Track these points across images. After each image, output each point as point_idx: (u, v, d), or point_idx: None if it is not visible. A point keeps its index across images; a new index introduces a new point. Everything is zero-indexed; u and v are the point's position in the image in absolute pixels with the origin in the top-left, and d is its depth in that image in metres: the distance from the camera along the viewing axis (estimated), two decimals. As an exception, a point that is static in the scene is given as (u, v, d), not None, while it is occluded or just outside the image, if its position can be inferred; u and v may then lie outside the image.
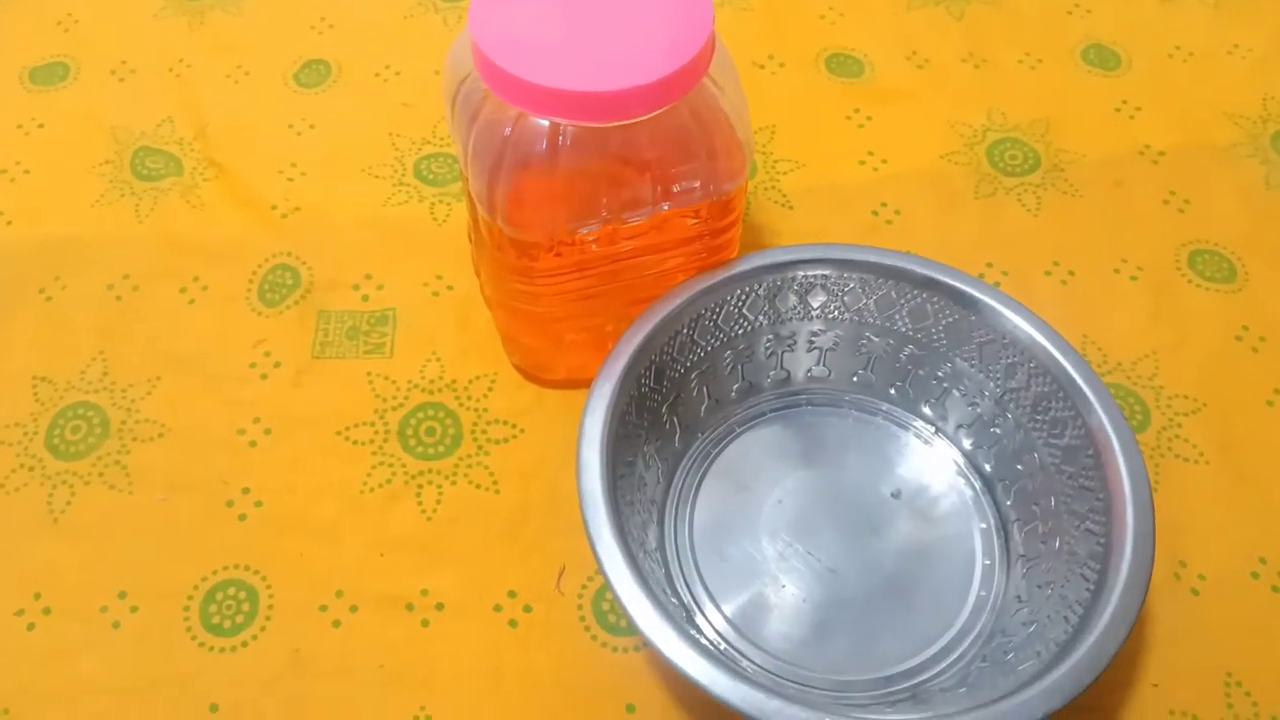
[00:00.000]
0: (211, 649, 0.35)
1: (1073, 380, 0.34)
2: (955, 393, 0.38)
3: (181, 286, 0.43)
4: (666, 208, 0.34)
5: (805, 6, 0.54)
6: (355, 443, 0.39)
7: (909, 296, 0.37)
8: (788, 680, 0.34)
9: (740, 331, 0.38)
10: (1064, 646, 0.30)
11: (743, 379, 0.39)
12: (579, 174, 0.33)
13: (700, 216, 0.35)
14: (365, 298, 0.43)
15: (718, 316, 0.38)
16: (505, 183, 0.33)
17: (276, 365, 0.41)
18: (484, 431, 0.40)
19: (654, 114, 0.32)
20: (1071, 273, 0.44)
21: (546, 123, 0.32)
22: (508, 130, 0.32)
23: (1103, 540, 0.32)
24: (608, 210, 0.34)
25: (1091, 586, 0.31)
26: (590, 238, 0.35)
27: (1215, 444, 0.40)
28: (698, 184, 0.34)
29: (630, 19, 0.32)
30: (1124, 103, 0.50)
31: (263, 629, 0.35)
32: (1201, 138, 0.49)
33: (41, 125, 0.49)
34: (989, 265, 0.44)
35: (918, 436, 0.39)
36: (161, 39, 0.52)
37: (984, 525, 0.37)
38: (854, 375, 0.40)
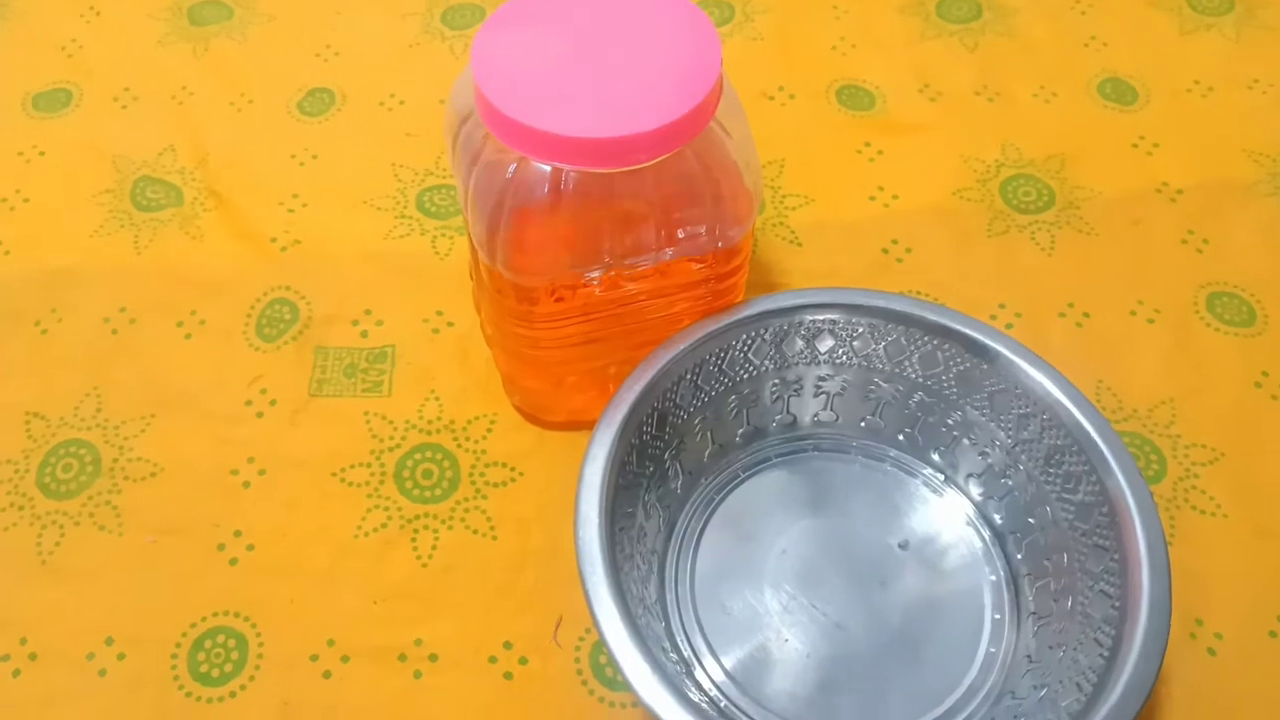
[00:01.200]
0: (199, 699, 0.34)
1: (1088, 435, 0.33)
2: (965, 441, 0.37)
3: (178, 320, 0.43)
4: (671, 254, 0.33)
5: (816, 37, 0.53)
6: (351, 484, 0.39)
7: (920, 343, 0.37)
8: (790, 741, 0.33)
9: (745, 376, 0.38)
10: (1076, 717, 0.29)
11: (748, 424, 0.39)
12: (582, 219, 0.32)
13: (706, 261, 0.35)
14: (364, 334, 0.42)
15: (723, 361, 0.37)
16: (506, 226, 0.32)
17: (272, 403, 0.41)
18: (482, 474, 0.39)
19: (659, 160, 0.31)
20: (1086, 314, 0.43)
21: (549, 167, 0.31)
22: (509, 173, 0.32)
23: (1118, 604, 0.31)
24: (610, 256, 0.33)
25: (1106, 653, 0.30)
26: (593, 282, 0.34)
27: (1234, 496, 0.38)
28: (703, 230, 0.33)
29: (636, 61, 0.31)
30: (1141, 138, 0.49)
31: (251, 679, 0.35)
32: (1221, 175, 0.48)
33: (43, 153, 0.49)
34: (1001, 306, 0.43)
35: (926, 485, 0.38)
36: (165, 66, 0.52)
37: (994, 578, 0.36)
38: (862, 421, 0.39)
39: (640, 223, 0.32)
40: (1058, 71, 0.52)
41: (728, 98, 0.33)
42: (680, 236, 0.33)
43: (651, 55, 0.31)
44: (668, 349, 0.35)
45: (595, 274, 0.33)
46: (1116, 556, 0.31)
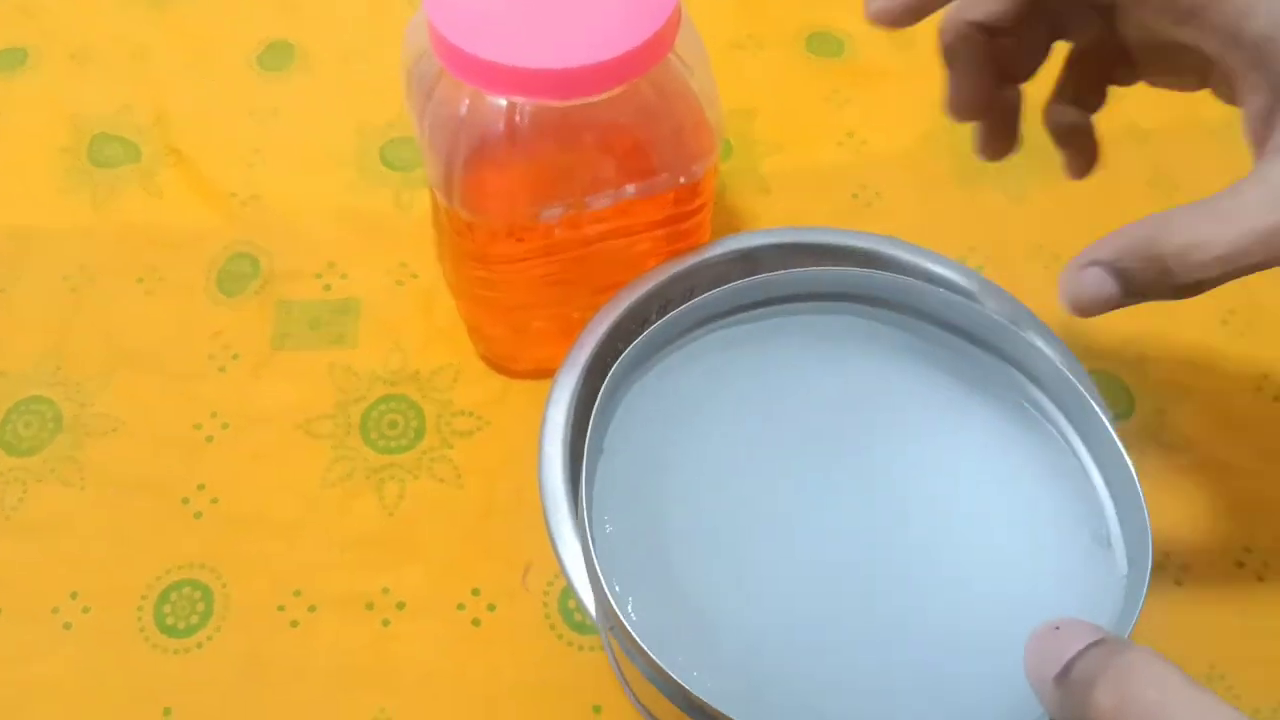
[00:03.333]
0: (165, 650, 0.34)
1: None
2: (934, 381, 0.37)
3: (138, 277, 0.42)
4: (632, 191, 0.33)
5: (784, -15, 0.53)
6: (315, 436, 0.38)
7: (886, 282, 0.36)
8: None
9: (712, 318, 0.37)
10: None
11: (715, 367, 0.38)
12: (538, 155, 0.32)
13: (668, 199, 0.34)
14: (327, 287, 0.42)
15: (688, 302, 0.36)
16: (461, 165, 0.32)
17: (235, 357, 0.40)
18: (448, 424, 0.38)
19: (615, 91, 0.30)
20: (1055, 257, 0.43)
21: (504, 102, 0.31)
22: (463, 110, 0.31)
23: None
24: (570, 194, 0.32)
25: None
26: (553, 222, 0.33)
27: (1201, 431, 0.39)
28: (664, 165, 0.33)
29: (592, -5, 0.31)
30: (1110, 82, 0.49)
31: (218, 630, 0.34)
32: (1190, 117, 0.48)
33: (-3, 112, 0.48)
34: (971, 249, 0.43)
35: (896, 426, 0.38)
36: (122, 23, 0.51)
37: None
38: (830, 363, 0.39)
39: (599, 158, 0.32)
40: (1027, 16, 0.51)
41: (688, 33, 0.32)
42: (640, 172, 0.32)
43: (607, -12, 0.31)
44: (632, 290, 0.35)
45: (555, 213, 0.33)
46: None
